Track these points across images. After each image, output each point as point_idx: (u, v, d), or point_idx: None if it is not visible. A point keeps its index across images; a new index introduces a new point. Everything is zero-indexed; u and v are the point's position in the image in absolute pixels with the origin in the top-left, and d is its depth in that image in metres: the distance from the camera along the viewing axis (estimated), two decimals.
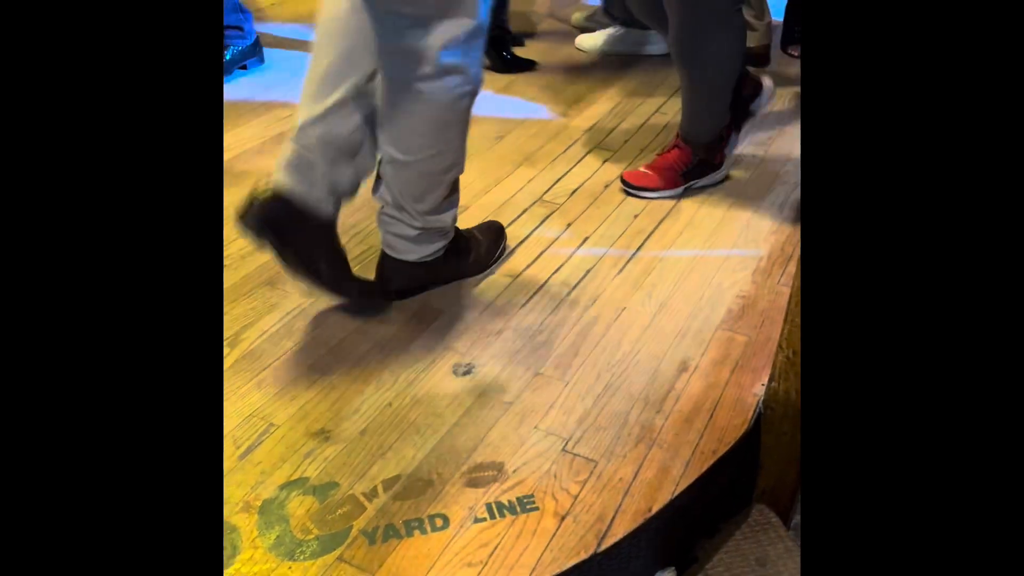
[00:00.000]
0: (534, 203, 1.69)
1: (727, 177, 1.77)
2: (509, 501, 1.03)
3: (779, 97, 2.18)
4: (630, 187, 1.72)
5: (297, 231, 1.21)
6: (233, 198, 1.64)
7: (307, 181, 1.20)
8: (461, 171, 1.30)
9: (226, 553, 0.95)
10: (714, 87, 1.65)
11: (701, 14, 1.55)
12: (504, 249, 1.52)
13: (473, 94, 1.20)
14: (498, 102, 2.15)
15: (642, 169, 1.73)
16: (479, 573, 0.94)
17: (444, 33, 1.10)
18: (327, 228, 1.25)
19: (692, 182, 1.72)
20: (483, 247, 1.47)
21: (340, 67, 1.18)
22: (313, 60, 1.21)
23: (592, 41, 2.40)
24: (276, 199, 1.20)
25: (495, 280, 1.46)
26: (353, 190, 1.26)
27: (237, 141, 1.90)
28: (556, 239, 1.57)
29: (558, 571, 0.95)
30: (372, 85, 1.19)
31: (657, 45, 2.33)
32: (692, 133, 1.71)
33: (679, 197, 1.71)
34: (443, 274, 1.41)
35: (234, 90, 2.19)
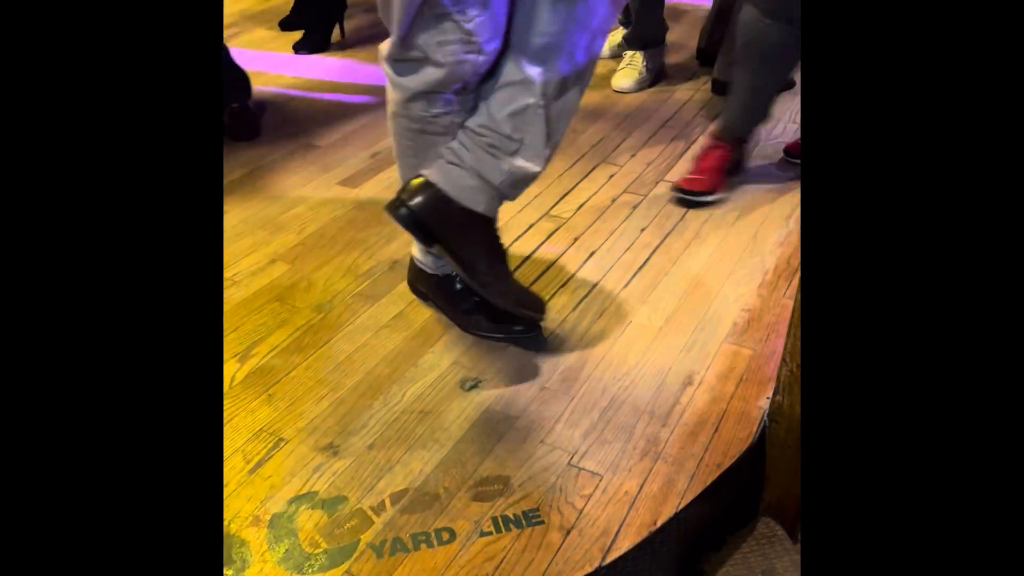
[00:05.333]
0: (541, 218, 1.70)
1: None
2: (515, 515, 1.04)
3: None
4: (690, 193, 1.74)
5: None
6: (250, 212, 1.67)
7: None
8: None
9: (236, 567, 0.97)
10: (767, 82, 1.78)
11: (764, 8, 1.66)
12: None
13: None
14: None
15: (693, 176, 1.77)
16: None
17: None
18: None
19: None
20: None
21: None
22: None
23: (627, 80, 2.36)
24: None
25: None
26: None
27: (257, 154, 1.92)
28: (563, 254, 1.58)
29: None
30: None
31: None
32: (737, 129, 1.82)
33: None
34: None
35: None
